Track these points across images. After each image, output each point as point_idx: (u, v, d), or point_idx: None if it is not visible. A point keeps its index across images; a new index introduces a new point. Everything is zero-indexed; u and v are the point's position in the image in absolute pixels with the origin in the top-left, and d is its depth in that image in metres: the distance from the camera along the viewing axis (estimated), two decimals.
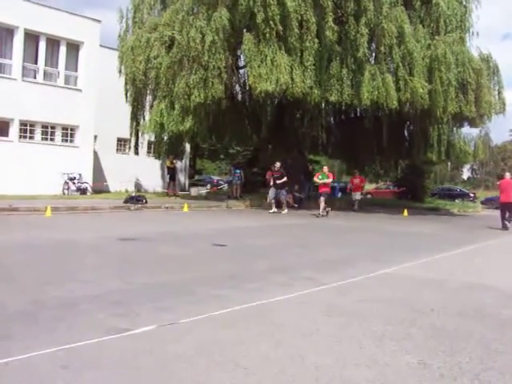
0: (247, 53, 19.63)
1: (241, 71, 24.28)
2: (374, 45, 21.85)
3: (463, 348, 4.39)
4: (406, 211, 22.83)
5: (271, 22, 18.86)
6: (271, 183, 20.94)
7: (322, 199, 19.69)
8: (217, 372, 3.62)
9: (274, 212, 20.02)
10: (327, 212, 19.82)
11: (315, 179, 21.30)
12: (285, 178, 20.51)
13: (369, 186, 53.92)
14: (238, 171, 26.42)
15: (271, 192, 20.65)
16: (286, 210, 20.34)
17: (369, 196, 44.12)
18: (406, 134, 28.27)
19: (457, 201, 38.35)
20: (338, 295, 6.27)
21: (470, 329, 5.01)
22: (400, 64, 20.64)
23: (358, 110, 26.22)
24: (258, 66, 19.19)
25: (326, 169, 21.18)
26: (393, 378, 3.68)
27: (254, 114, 25.14)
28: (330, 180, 20.72)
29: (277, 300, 5.80)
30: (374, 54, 22.20)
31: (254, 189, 27.48)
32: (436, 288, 7.01)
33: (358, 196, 25.27)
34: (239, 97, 25.76)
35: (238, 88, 25.44)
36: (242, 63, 23.30)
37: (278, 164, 20.74)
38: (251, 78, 19.42)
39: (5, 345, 3.94)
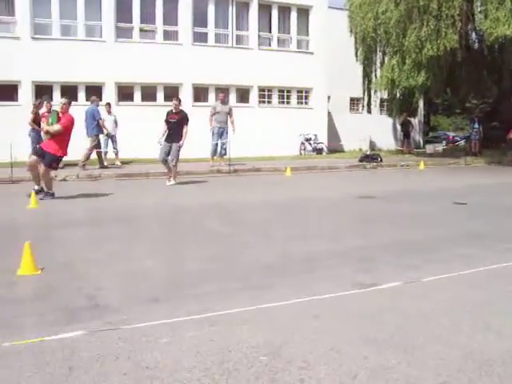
0: None
1: (477, 17, 22.44)
2: None
3: None
4: None
5: None
6: (164, 133, 12.57)
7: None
8: (464, 332, 3.52)
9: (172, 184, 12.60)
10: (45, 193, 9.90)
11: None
12: (184, 129, 12.26)
13: None
14: (476, 126, 24.81)
15: (161, 149, 12.63)
16: (172, 182, 12.54)
17: None
18: None
19: None
20: None
21: None
22: None
23: None
24: (496, 9, 17.58)
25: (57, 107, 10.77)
26: None
27: (493, 64, 23.08)
28: (58, 128, 9.75)
29: None
30: None
31: (494, 144, 25.43)
32: None
33: None
34: (476, 46, 23.87)
35: (474, 36, 23.57)
36: (478, 9, 21.51)
37: (175, 102, 12.62)
38: (487, 22, 17.98)
39: (261, 292, 4.34)
